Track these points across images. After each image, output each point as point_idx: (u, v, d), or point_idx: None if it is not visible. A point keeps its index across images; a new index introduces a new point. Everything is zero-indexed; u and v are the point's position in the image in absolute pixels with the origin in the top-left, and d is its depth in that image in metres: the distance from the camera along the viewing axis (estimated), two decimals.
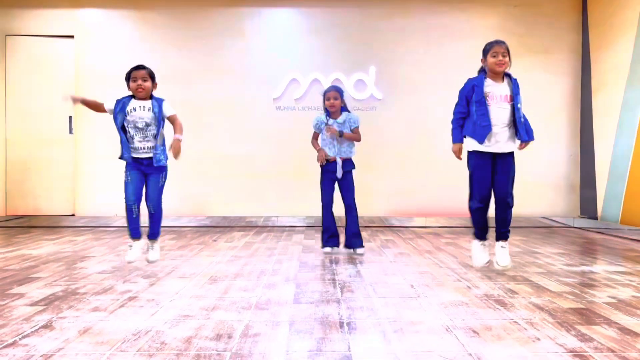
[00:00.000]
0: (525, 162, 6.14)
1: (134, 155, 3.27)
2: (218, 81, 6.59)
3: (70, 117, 6.55)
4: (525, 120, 3.33)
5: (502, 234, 3.36)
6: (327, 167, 3.99)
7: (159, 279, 3.16)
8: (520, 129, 3.23)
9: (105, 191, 6.43)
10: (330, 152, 3.97)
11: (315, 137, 4.10)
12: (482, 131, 3.22)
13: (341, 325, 2.21)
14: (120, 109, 3.26)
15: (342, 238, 4.13)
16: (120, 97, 3.32)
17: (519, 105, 3.24)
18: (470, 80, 3.35)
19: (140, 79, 3.24)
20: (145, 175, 3.31)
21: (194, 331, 2.12)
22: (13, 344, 1.97)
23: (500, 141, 3.24)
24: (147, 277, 3.19)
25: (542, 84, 6.61)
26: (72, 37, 6.58)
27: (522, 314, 2.39)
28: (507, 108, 3.24)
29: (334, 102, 3.93)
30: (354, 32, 6.66)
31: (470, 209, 3.39)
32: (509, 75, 3.32)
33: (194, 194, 6.58)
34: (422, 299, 2.67)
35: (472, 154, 3.34)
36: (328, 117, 3.99)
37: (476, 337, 2.05)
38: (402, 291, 2.84)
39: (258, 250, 4.32)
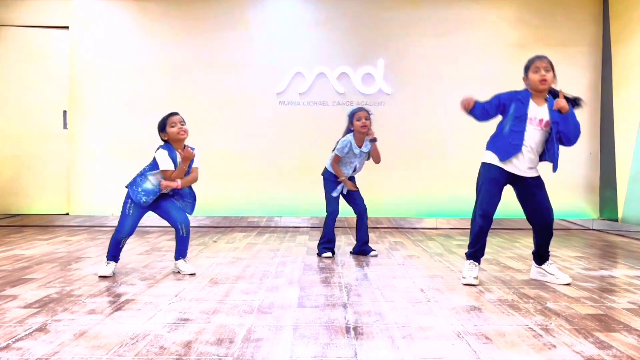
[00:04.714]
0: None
1: (153, 197, 3.28)
2: (218, 74, 6.47)
3: (64, 112, 6.44)
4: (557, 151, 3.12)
5: (547, 256, 3.16)
6: (337, 180, 4.01)
7: (157, 281, 3.12)
8: (553, 160, 3.08)
9: (100, 189, 6.32)
10: (347, 173, 4.02)
11: (337, 161, 3.98)
12: (511, 149, 3.05)
13: (347, 330, 2.18)
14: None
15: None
16: (166, 151, 3.26)
17: (556, 134, 3.06)
18: (516, 92, 3.14)
19: (179, 123, 3.28)
20: (164, 201, 3.34)
21: (194, 335, 2.09)
22: (6, 347, 1.94)
23: (521, 162, 3.06)
24: (145, 279, 3.15)
25: (559, 78, 6.33)
26: (66, 27, 6.45)
27: (538, 319, 2.34)
28: (540, 132, 3.09)
29: (366, 121, 3.88)
30: (361, 24, 6.53)
31: (472, 224, 3.15)
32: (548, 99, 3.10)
33: None
34: (433, 303, 2.63)
35: (488, 167, 3.12)
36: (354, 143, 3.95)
37: (489, 344, 2.01)
38: (411, 295, 2.80)
39: (260, 251, 4.27)
